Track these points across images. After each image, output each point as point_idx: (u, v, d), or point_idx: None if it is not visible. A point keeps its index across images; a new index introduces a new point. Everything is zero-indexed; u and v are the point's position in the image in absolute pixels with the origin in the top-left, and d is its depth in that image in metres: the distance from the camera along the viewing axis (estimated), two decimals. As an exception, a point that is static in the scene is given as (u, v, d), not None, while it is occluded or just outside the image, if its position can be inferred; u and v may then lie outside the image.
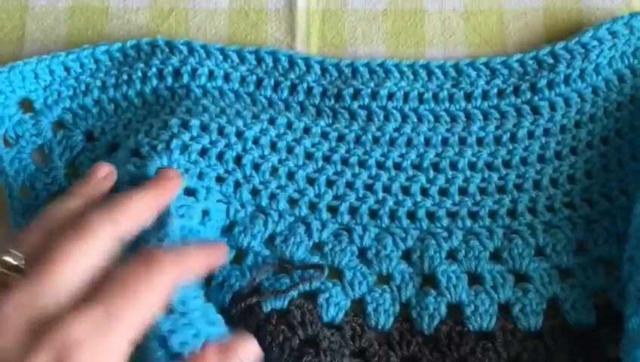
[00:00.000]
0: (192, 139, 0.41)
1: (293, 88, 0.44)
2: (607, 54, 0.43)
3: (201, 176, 0.41)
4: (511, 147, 0.42)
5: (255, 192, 0.41)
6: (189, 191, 0.40)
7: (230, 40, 0.47)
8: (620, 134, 0.43)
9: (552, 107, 0.43)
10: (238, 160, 0.41)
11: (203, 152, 0.41)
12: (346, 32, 0.47)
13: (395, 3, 0.48)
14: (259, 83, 0.44)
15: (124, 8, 0.47)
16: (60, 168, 0.42)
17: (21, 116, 0.43)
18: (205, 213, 0.40)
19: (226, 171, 0.41)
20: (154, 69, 0.43)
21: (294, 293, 0.39)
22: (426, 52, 0.47)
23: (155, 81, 0.43)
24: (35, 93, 0.43)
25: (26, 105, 0.44)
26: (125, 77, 0.44)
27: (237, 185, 0.41)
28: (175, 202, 0.38)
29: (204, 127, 0.41)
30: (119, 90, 0.44)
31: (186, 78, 0.43)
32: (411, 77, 0.44)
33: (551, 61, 0.43)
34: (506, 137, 0.43)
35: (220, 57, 0.44)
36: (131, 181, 0.38)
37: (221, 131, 0.41)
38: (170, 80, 0.43)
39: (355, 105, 0.43)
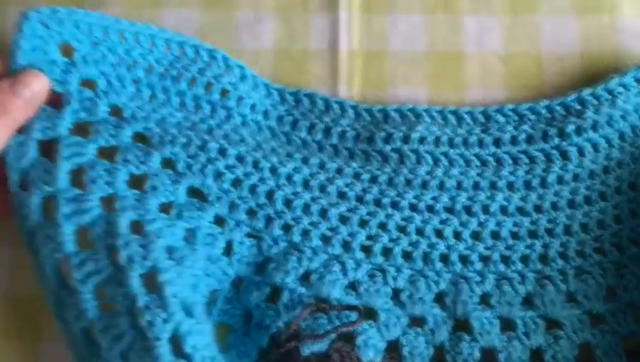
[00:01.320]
0: (227, 167, 0.42)
1: (327, 131, 0.44)
2: (634, 101, 0.44)
3: (232, 206, 0.41)
4: (541, 192, 0.43)
5: (287, 228, 0.42)
6: (219, 221, 0.41)
7: (274, 79, 0.47)
8: (647, 180, 0.43)
9: (581, 152, 0.44)
10: (270, 195, 0.42)
11: (236, 183, 0.42)
12: (386, 74, 0.48)
13: (435, 45, 0.49)
14: (294, 123, 0.45)
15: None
16: (66, 122, 0.39)
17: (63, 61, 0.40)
18: (230, 244, 0.40)
19: (258, 205, 0.42)
20: (204, 79, 0.43)
21: (332, 336, 0.39)
22: (465, 94, 0.47)
23: (201, 90, 0.43)
24: (79, 44, 0.40)
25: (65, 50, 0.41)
26: (174, 72, 0.43)
27: (268, 220, 0.42)
28: (202, 230, 0.39)
29: (240, 158, 0.42)
30: (163, 81, 0.43)
31: (232, 102, 0.44)
32: (441, 122, 0.44)
33: (578, 107, 0.44)
34: (535, 182, 0.43)
35: (264, 92, 0.45)
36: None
37: (256, 165, 0.42)
38: (216, 96, 0.44)
39: (388, 148, 0.44)
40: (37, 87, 0.38)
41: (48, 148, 0.39)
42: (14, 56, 0.39)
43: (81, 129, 0.40)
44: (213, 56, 0.44)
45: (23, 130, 0.38)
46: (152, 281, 0.35)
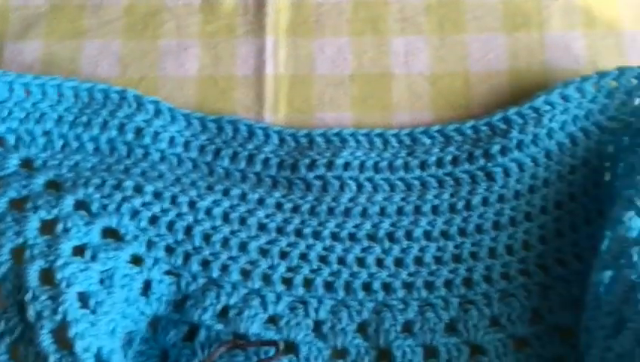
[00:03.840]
0: (143, 205, 0.41)
1: (250, 159, 0.44)
2: (560, 118, 0.44)
3: (149, 245, 0.41)
4: (466, 214, 0.43)
5: (206, 264, 0.41)
6: (136, 260, 0.40)
7: (199, 107, 0.47)
8: (573, 198, 0.43)
9: (506, 173, 0.43)
10: (188, 230, 0.42)
11: (153, 220, 0.41)
12: (313, 98, 0.48)
13: (361, 68, 0.48)
14: (217, 152, 0.44)
15: (93, 77, 0.47)
16: None
17: None
18: (148, 283, 0.40)
19: (176, 241, 0.41)
20: (116, 121, 0.43)
21: None
22: (393, 116, 0.47)
23: (114, 132, 0.43)
24: None
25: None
26: (85, 119, 0.43)
27: (187, 256, 0.41)
28: (119, 271, 0.38)
29: (157, 194, 0.41)
30: (74, 129, 0.43)
31: (147, 140, 0.43)
32: (367, 145, 0.44)
33: (504, 126, 0.44)
34: (460, 205, 0.43)
35: (184, 123, 0.44)
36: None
37: (174, 200, 0.42)
38: (130, 136, 0.43)
39: (311, 175, 0.43)
40: None
41: None
42: None
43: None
44: (124, 96, 0.44)
45: None
46: (64, 335, 0.34)
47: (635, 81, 0.44)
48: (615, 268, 0.37)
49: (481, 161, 0.43)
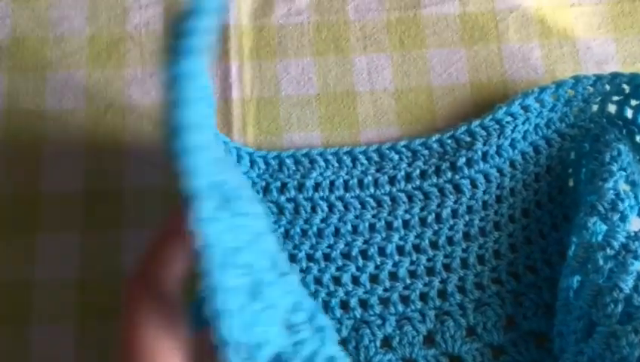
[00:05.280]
0: None
1: None
2: (522, 128, 0.45)
3: None
4: (436, 227, 0.43)
5: None
6: None
7: (164, 133, 0.47)
8: (539, 205, 0.44)
9: (473, 184, 0.44)
10: None
11: None
12: (281, 119, 0.48)
13: (326, 87, 0.49)
14: None
15: (59, 110, 0.47)
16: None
17: None
18: None
19: None
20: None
21: None
22: (360, 133, 0.48)
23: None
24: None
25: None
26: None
27: None
28: None
29: None
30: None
31: None
32: (336, 164, 0.45)
33: (468, 139, 0.45)
34: (431, 218, 0.44)
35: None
36: None
37: None
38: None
39: (283, 198, 0.43)
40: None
41: None
42: None
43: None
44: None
45: None
46: None
47: (591, 89, 0.45)
48: (582, 273, 0.38)
49: (449, 174, 0.44)
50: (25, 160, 0.46)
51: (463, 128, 0.45)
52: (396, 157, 0.45)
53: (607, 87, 0.44)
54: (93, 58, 0.49)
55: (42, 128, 0.47)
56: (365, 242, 0.43)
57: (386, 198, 0.44)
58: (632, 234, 0.38)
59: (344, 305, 0.42)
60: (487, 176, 0.44)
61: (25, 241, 0.44)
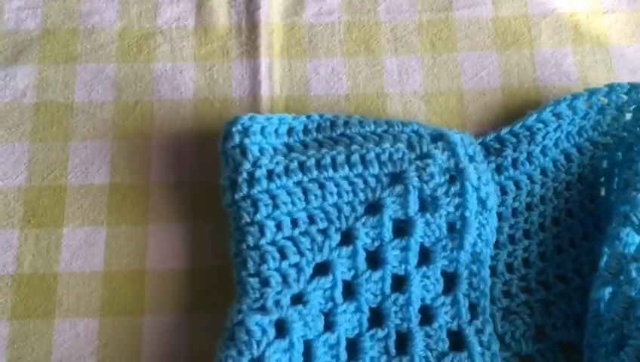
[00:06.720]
0: None
1: None
2: (553, 135, 0.44)
3: None
4: (465, 235, 0.43)
5: None
6: None
7: (196, 130, 0.47)
8: (570, 214, 0.44)
9: (503, 191, 0.44)
10: None
11: None
12: (309, 119, 0.48)
13: (356, 88, 0.48)
14: None
15: (89, 103, 0.47)
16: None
17: None
18: None
19: None
20: None
21: None
22: (389, 136, 0.47)
23: None
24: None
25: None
26: None
27: None
28: None
29: None
30: None
31: None
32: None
33: (497, 146, 0.44)
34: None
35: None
36: None
37: None
38: None
39: None
40: None
41: None
42: None
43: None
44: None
45: None
46: None
47: (625, 97, 0.45)
48: (614, 284, 0.37)
49: (478, 180, 0.44)
50: (52, 152, 0.46)
51: (493, 135, 0.45)
52: (425, 162, 0.44)
53: (642, 95, 0.43)
54: (123, 52, 0.49)
55: (71, 121, 0.47)
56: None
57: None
58: (668, 246, 0.37)
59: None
60: (517, 183, 0.44)
61: (51, 234, 0.44)
